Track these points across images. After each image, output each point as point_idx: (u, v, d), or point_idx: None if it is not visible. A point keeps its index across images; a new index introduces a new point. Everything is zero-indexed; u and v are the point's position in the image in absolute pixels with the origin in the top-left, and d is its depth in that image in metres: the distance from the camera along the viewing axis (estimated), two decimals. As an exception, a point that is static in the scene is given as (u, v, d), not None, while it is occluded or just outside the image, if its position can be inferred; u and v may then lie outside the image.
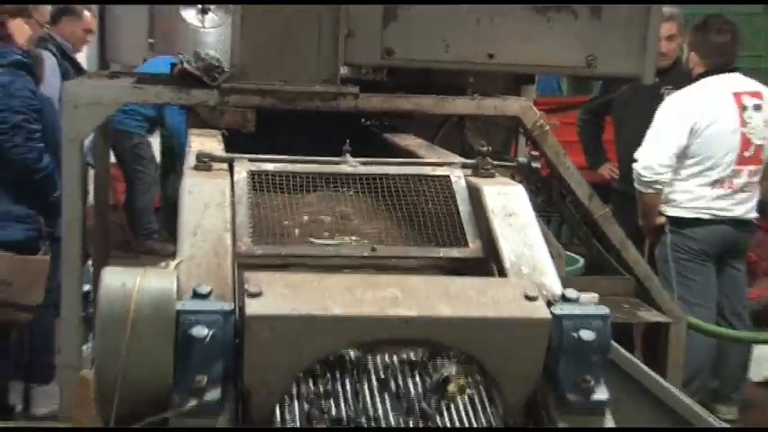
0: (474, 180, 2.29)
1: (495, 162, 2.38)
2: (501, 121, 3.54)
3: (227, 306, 1.73)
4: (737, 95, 5.42)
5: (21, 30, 5.02)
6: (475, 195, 2.24)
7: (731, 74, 5.52)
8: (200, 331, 1.68)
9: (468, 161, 2.40)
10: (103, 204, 4.56)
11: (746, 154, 5.38)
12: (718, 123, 5.35)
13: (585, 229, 3.91)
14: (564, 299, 1.84)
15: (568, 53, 3.49)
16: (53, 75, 5.60)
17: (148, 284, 1.73)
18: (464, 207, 2.23)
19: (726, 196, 5.43)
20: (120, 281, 1.73)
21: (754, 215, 5.62)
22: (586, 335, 1.78)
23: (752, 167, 5.42)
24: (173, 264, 1.84)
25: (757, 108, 5.42)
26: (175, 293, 1.73)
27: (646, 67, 3.57)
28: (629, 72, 3.58)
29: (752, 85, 5.56)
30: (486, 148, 2.39)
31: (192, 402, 1.68)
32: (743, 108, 5.39)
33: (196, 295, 1.74)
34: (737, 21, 7.56)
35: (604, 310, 1.82)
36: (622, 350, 2.28)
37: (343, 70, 3.47)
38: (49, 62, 5.63)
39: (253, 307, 1.68)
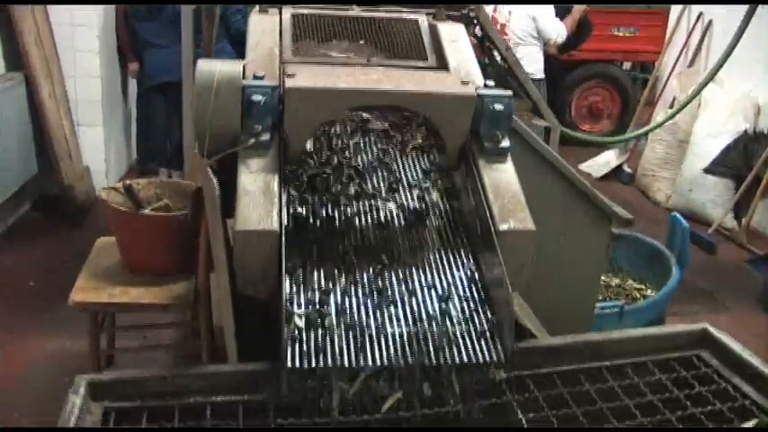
0: (433, 21, 2.17)
1: (447, 12, 2.25)
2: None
3: (274, 83, 1.65)
4: None
5: None
6: (433, 30, 2.11)
7: None
8: (257, 97, 1.61)
9: (430, 11, 2.27)
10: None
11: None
12: None
13: (503, 69, 3.79)
14: (485, 86, 1.75)
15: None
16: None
17: (226, 68, 1.64)
18: (426, 37, 2.11)
19: None
20: (209, 66, 1.65)
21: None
22: (498, 107, 1.69)
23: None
24: (241, 62, 1.75)
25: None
26: (242, 75, 1.65)
27: None
28: None
29: None
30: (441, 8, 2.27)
31: (252, 140, 1.61)
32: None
33: (255, 77, 1.66)
34: None
35: (509, 93, 1.73)
36: (523, 124, 2.18)
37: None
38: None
39: (289, 82, 1.59)
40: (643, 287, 3.36)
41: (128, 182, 2.84)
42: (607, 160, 6.67)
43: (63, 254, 4.27)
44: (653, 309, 2.97)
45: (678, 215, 3.26)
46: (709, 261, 4.90)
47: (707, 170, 5.62)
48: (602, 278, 3.22)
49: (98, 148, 5.29)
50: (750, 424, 1.48)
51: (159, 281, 2.73)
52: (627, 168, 6.62)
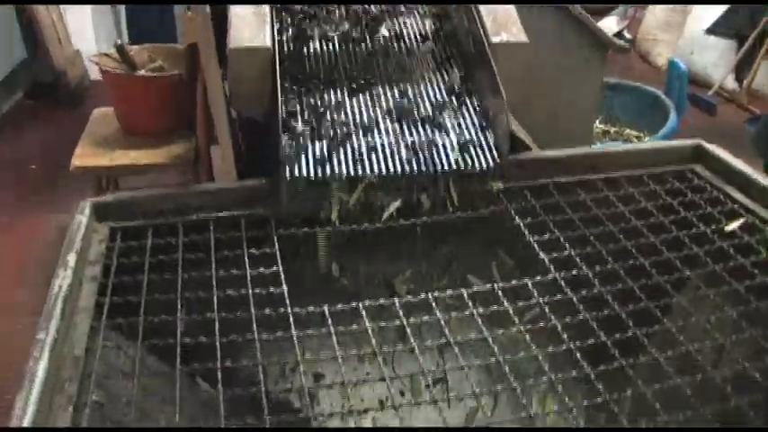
0: None
1: None
2: None
3: None
4: None
5: None
6: None
7: None
8: None
9: None
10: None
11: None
12: None
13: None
14: None
15: None
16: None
17: None
18: None
19: None
20: None
21: None
22: None
23: None
24: None
25: None
26: None
27: None
28: None
29: None
30: None
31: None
32: None
33: None
34: None
35: None
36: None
37: None
38: None
39: None
40: (641, 135, 3.37)
41: (119, 41, 2.82)
42: (607, 26, 6.56)
43: (60, 137, 4.28)
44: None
45: (676, 59, 3.23)
46: (709, 122, 4.89)
47: (709, 30, 5.53)
48: (600, 125, 3.23)
49: (87, 32, 5.22)
50: (736, 224, 1.53)
51: (158, 143, 2.75)
52: (627, 34, 6.52)
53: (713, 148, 1.75)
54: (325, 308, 1.26)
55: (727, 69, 5.46)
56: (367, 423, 1.38)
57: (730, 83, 5.50)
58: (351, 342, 1.25)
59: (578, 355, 1.18)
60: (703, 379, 1.14)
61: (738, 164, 1.68)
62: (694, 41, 5.61)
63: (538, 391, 1.55)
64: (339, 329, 1.23)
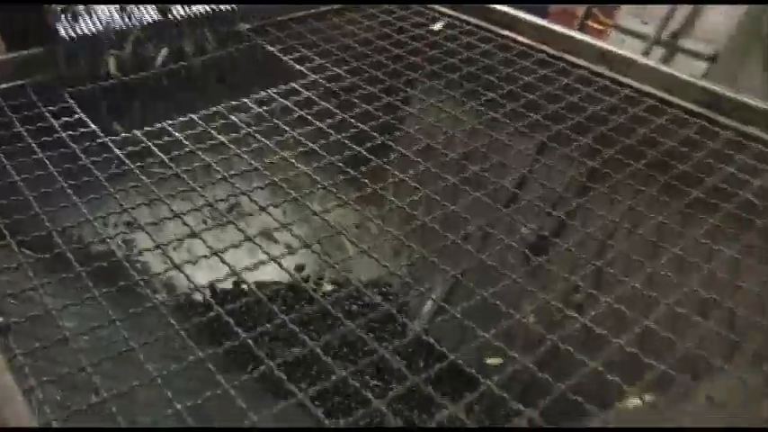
0: None
1: None
2: None
3: None
4: None
5: None
6: None
7: None
8: None
9: None
10: None
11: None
12: None
13: None
14: None
15: None
16: None
17: None
18: None
19: None
20: None
21: None
22: None
23: None
24: None
25: None
26: None
27: None
28: None
29: None
30: None
31: None
32: None
33: None
34: None
35: None
36: None
37: None
38: None
39: None
40: None
41: None
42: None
43: None
44: None
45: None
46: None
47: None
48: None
49: None
50: (440, 24, 1.95)
51: None
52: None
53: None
54: (137, 133, 1.46)
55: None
56: (182, 252, 1.59)
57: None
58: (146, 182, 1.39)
59: (355, 122, 1.51)
60: (448, 136, 1.54)
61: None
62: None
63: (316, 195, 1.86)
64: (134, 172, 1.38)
